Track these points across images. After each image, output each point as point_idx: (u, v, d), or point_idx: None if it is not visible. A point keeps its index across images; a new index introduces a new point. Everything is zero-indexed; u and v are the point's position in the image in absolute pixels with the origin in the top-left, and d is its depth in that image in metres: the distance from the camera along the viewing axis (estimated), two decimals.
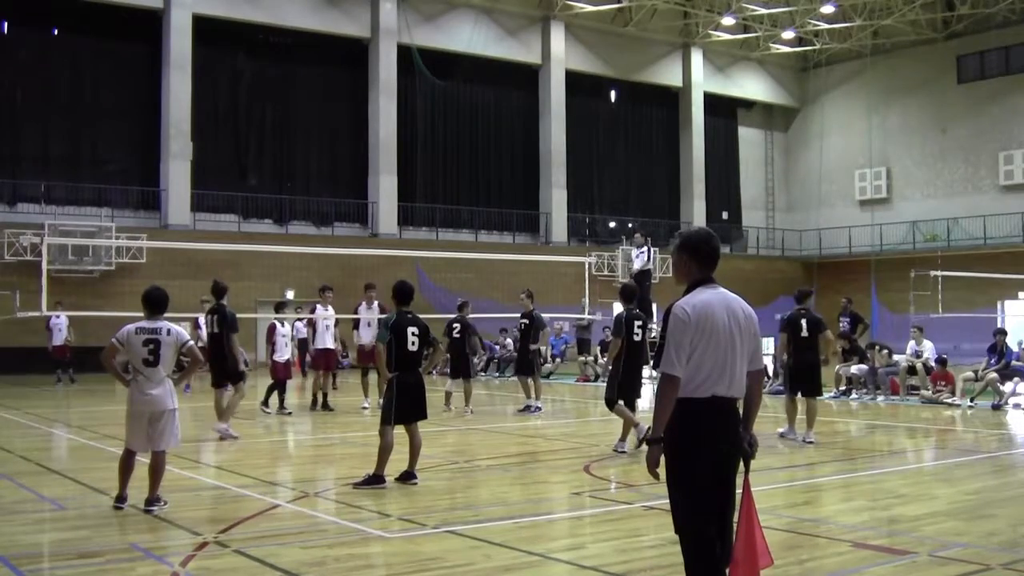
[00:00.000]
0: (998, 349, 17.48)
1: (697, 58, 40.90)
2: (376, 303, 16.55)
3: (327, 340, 16.52)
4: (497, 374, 25.94)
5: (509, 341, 25.24)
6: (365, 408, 16.22)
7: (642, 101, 40.66)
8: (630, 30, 38.86)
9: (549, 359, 25.51)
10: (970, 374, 17.56)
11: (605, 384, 12.09)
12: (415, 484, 8.88)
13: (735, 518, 4.51)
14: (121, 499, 7.75)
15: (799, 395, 12.36)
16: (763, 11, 39.40)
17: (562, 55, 36.99)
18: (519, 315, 17.02)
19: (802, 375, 12.33)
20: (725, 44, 41.60)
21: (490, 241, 35.05)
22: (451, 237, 34.33)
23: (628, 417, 11.01)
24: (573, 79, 37.43)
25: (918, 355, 18.09)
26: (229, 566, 6.15)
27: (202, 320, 19.06)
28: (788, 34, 41.15)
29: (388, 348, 8.83)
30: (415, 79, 33.95)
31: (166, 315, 7.95)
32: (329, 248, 27.88)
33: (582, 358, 24.64)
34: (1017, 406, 16.58)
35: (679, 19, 40.16)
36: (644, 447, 8.41)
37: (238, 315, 12.95)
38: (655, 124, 41.25)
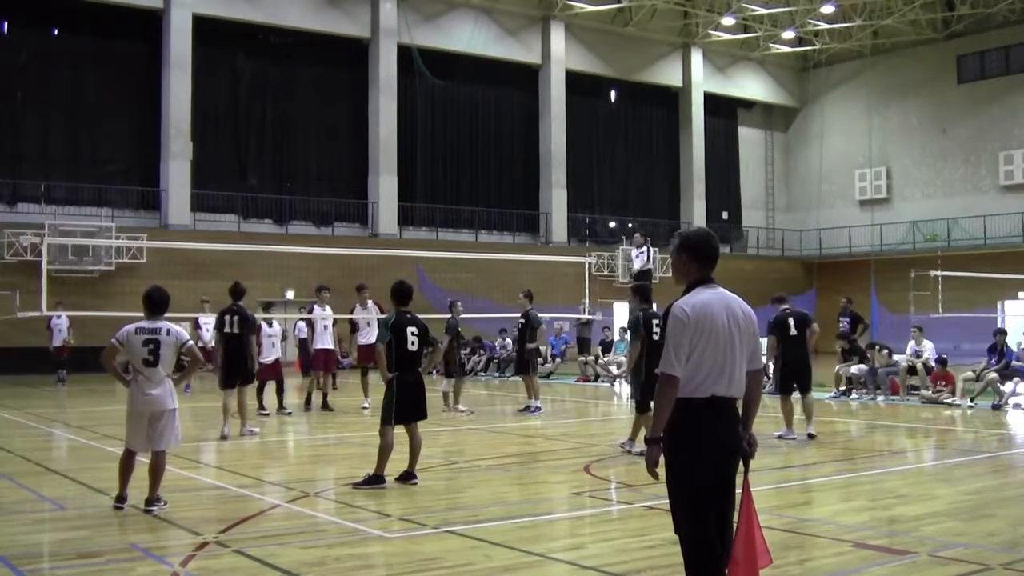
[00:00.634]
0: (998, 349, 17.46)
1: (697, 58, 40.88)
2: (370, 302, 16.52)
3: (326, 340, 16.49)
4: (497, 374, 25.94)
5: (509, 341, 25.23)
6: (365, 408, 16.20)
7: (642, 101, 40.64)
8: (630, 30, 38.85)
9: (549, 359, 25.52)
10: (970, 374, 17.55)
11: (630, 388, 12.03)
12: (415, 484, 8.89)
13: (735, 518, 4.51)
14: (121, 499, 7.76)
15: (793, 394, 12.40)
16: (763, 11, 39.39)
17: (562, 55, 36.98)
18: (519, 315, 17.03)
19: (796, 372, 12.45)
20: (725, 44, 41.59)
21: (490, 241, 35.02)
22: (451, 237, 34.32)
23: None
24: (573, 79, 37.40)
25: (918, 355, 18.07)
26: (229, 566, 6.15)
27: (202, 320, 19.13)
28: (788, 34, 41.13)
29: (388, 348, 8.85)
30: (415, 79, 33.92)
31: (166, 315, 7.96)
32: (329, 248, 27.85)
33: (582, 358, 24.63)
34: (1017, 406, 16.58)
35: (679, 19, 40.16)
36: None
37: None
38: (655, 124, 41.22)
